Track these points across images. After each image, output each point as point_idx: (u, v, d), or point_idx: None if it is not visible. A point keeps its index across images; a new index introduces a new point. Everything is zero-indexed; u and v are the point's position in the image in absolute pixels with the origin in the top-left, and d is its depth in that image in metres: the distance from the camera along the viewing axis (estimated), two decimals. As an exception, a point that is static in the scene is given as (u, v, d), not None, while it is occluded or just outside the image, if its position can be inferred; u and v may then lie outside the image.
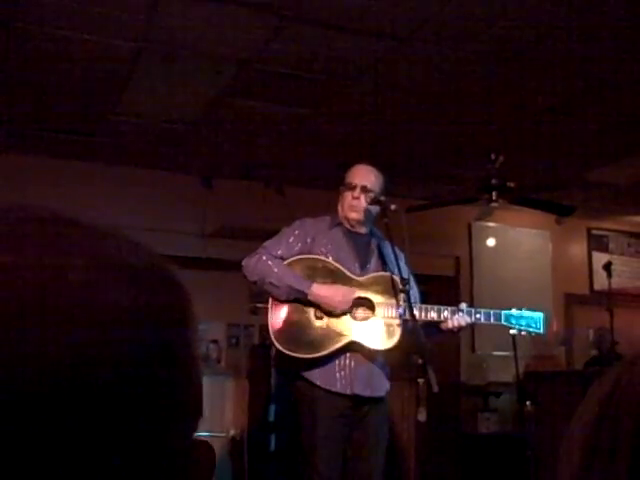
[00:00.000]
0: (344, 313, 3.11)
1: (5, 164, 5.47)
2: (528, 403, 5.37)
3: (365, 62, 4.01)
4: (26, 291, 0.43)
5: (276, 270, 3.10)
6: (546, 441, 4.52)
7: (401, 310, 3.06)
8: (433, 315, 3.09)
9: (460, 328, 3.13)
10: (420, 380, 2.77)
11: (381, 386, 3.22)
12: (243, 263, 3.16)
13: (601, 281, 6.57)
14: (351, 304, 3.10)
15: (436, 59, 3.96)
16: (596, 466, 0.63)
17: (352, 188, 3.23)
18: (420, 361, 2.77)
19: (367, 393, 3.15)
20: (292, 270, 3.14)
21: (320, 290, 3.09)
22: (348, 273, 3.17)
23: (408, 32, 3.65)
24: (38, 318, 0.43)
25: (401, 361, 3.23)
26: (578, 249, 7.49)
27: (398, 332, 3.09)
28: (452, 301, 6.84)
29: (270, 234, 3.35)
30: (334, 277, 3.15)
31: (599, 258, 7.17)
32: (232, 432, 5.57)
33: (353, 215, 3.23)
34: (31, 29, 3.67)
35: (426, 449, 5.27)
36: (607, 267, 5.84)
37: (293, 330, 3.09)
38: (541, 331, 3.23)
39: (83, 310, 0.44)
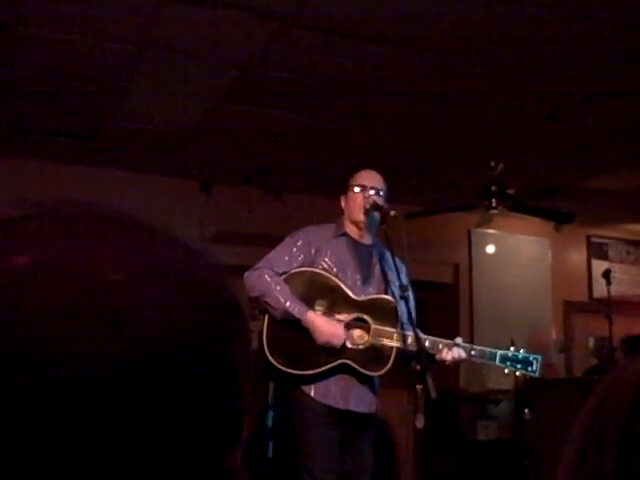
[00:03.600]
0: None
1: (4, 167, 5.47)
2: (527, 411, 5.37)
3: (365, 68, 4.01)
4: (51, 288, 0.42)
5: (275, 291, 3.03)
6: (544, 449, 4.51)
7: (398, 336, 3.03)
8: (427, 345, 2.99)
9: (454, 362, 3.03)
10: (418, 387, 2.76)
11: (372, 403, 3.20)
12: (245, 275, 3.10)
13: (600, 289, 6.56)
14: (342, 342, 3.03)
15: (436, 66, 3.96)
16: (585, 472, 0.65)
17: (363, 190, 3.20)
18: (418, 368, 2.76)
19: (361, 409, 3.13)
20: (290, 291, 3.07)
21: (315, 321, 3.03)
22: (348, 292, 3.10)
23: (408, 38, 3.65)
24: (65, 317, 0.42)
25: (399, 368, 3.21)
26: (577, 256, 7.49)
27: (391, 358, 3.05)
28: (451, 308, 6.90)
29: (269, 240, 3.33)
30: (334, 295, 3.10)
31: (598, 266, 7.17)
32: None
33: (363, 217, 3.18)
34: (31, 33, 3.67)
35: (425, 456, 5.25)
36: (606, 275, 5.83)
37: (285, 344, 3.05)
38: (537, 374, 3.17)
39: (119, 312, 0.43)
